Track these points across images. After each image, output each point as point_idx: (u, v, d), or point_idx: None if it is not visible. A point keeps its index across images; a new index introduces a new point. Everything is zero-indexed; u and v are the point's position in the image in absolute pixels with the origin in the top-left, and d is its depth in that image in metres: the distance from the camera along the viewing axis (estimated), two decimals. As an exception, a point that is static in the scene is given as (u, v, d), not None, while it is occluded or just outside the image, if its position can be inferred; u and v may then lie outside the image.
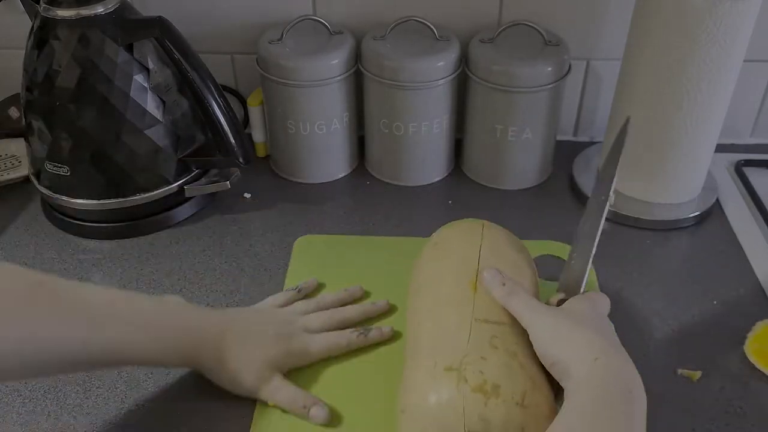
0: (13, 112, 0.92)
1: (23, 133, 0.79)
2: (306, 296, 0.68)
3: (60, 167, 0.76)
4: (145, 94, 0.75)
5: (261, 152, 0.91)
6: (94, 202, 0.77)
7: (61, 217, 0.80)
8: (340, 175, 0.89)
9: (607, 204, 0.58)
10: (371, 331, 0.64)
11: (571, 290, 0.56)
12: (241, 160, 0.79)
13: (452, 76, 0.81)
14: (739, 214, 0.81)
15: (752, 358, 0.63)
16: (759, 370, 0.62)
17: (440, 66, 0.80)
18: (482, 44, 0.81)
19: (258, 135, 0.90)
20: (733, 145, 0.92)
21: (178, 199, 0.81)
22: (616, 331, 0.58)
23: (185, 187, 0.80)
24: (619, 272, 0.73)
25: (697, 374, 0.62)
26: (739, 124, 0.93)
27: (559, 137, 0.89)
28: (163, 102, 0.76)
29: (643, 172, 0.79)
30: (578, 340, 0.49)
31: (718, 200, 0.82)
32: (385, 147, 0.86)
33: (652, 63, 0.72)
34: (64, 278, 0.56)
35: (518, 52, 0.80)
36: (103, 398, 0.61)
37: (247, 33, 0.89)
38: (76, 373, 0.63)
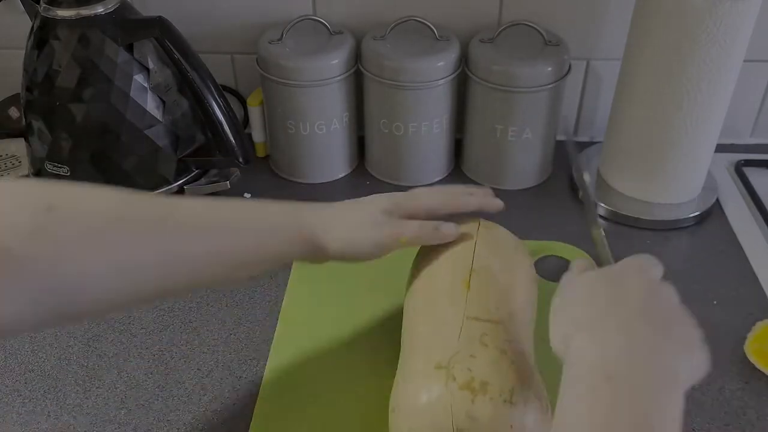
0: (13, 112, 0.92)
1: (23, 133, 0.79)
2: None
3: (60, 167, 0.76)
4: (145, 94, 0.75)
5: (261, 152, 0.91)
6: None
7: (61, 217, 0.80)
8: (340, 175, 0.89)
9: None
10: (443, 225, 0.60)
11: None
12: (241, 160, 0.79)
13: (452, 76, 0.81)
14: (739, 214, 0.81)
15: (752, 358, 0.63)
16: (759, 370, 0.62)
17: (440, 66, 0.80)
18: (482, 44, 0.81)
19: (258, 135, 0.90)
20: (733, 145, 0.92)
21: (178, 199, 0.81)
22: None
23: (185, 187, 0.80)
24: (619, 272, 0.73)
25: (697, 374, 0.62)
26: (739, 124, 0.93)
27: (559, 137, 0.89)
28: (163, 102, 0.76)
29: (643, 172, 0.79)
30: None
31: (718, 200, 0.82)
32: (385, 147, 0.86)
33: (652, 63, 0.72)
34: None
35: (518, 52, 0.80)
36: (103, 398, 0.61)
37: (247, 33, 0.89)
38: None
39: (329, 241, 0.56)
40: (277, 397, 0.61)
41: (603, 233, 0.57)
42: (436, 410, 0.48)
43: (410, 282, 0.61)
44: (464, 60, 0.83)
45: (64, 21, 0.72)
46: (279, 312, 0.69)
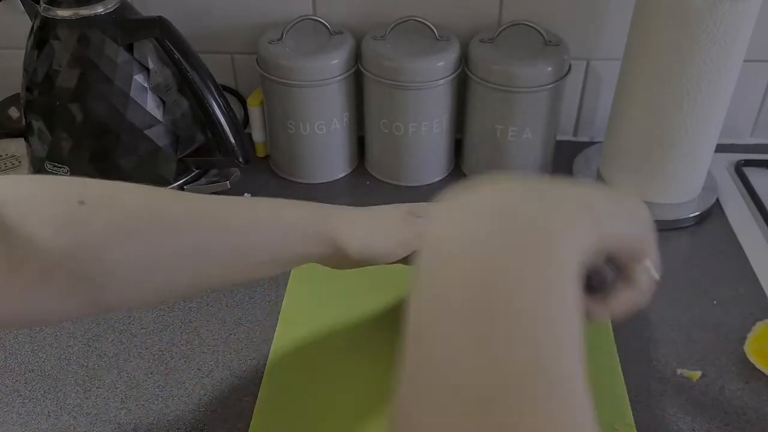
0: (13, 112, 0.92)
1: (23, 133, 0.79)
2: None
3: (60, 167, 0.76)
4: (145, 94, 0.75)
5: (261, 152, 0.91)
6: (94, 202, 0.77)
7: (61, 217, 0.80)
8: (340, 175, 0.89)
9: None
10: None
11: None
12: (241, 160, 0.79)
13: (452, 76, 0.81)
14: (739, 214, 0.81)
15: (752, 358, 0.63)
16: (759, 370, 0.62)
17: (440, 66, 0.80)
18: (482, 44, 0.81)
19: (258, 135, 0.90)
20: (733, 145, 0.92)
21: (178, 199, 0.81)
22: (617, 331, 0.58)
23: (185, 187, 0.80)
24: (619, 272, 0.73)
25: (697, 374, 0.62)
26: (739, 124, 0.93)
27: (559, 137, 0.89)
28: (163, 102, 0.76)
29: (643, 172, 0.79)
30: None
31: (718, 200, 0.82)
32: (385, 147, 0.86)
33: (652, 63, 0.72)
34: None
35: (518, 52, 0.80)
36: (103, 398, 0.61)
37: (247, 33, 0.89)
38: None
39: (350, 240, 0.55)
40: (276, 396, 0.61)
41: None
42: None
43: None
44: (464, 60, 0.83)
45: (64, 21, 0.72)
46: (279, 312, 0.69)
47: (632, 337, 0.66)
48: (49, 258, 0.44)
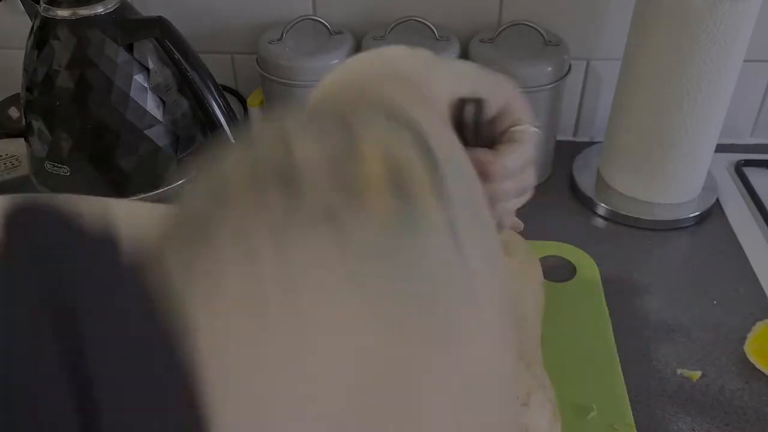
0: (13, 112, 0.92)
1: (23, 133, 0.79)
2: None
3: (60, 167, 0.76)
4: (145, 94, 0.75)
5: (261, 152, 0.91)
6: (94, 202, 0.77)
7: (61, 217, 0.80)
8: (340, 175, 0.89)
9: None
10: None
11: None
12: (241, 160, 0.79)
13: (452, 76, 0.81)
14: (739, 214, 0.81)
15: (752, 358, 0.63)
16: (759, 370, 0.62)
17: (440, 66, 0.80)
18: (482, 44, 0.81)
19: (258, 135, 0.90)
20: (733, 145, 0.92)
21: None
22: (617, 331, 0.58)
23: (185, 187, 0.80)
24: (619, 272, 0.73)
25: (697, 374, 0.62)
26: (739, 124, 0.93)
27: (559, 137, 0.89)
28: (163, 102, 0.76)
29: (643, 172, 0.79)
30: None
31: (718, 200, 0.82)
32: (385, 147, 0.86)
33: (652, 63, 0.72)
34: None
35: (518, 52, 0.80)
36: (103, 398, 0.61)
37: (247, 33, 0.89)
38: None
39: None
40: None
41: None
42: None
43: None
44: (464, 60, 0.83)
45: (64, 21, 0.72)
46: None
47: (632, 337, 0.66)
48: None
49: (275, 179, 0.22)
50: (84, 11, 0.72)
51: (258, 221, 0.21)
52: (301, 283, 0.20)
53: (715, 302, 0.70)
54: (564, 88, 0.82)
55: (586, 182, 0.84)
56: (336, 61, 0.81)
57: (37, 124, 0.75)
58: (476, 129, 0.35)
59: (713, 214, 0.81)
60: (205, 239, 0.20)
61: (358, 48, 0.83)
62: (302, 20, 0.83)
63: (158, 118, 0.76)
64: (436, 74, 0.35)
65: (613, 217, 0.80)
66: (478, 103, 0.36)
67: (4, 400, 0.15)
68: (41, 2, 0.73)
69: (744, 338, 0.65)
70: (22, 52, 0.75)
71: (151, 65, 0.75)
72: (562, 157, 0.89)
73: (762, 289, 0.71)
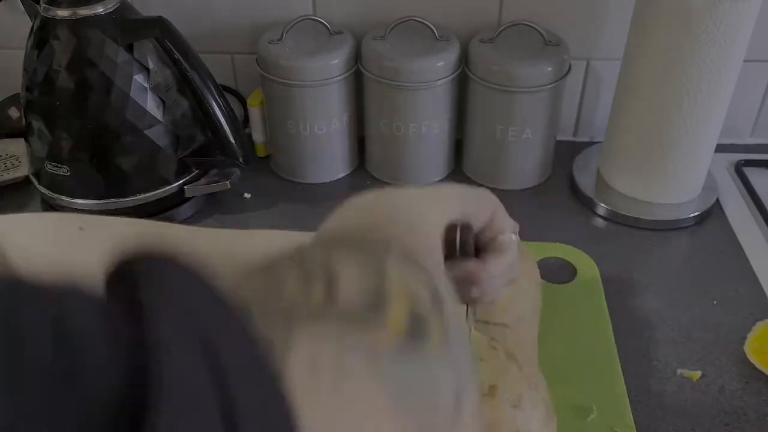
0: (13, 112, 0.92)
1: (23, 133, 0.79)
2: None
3: (60, 167, 0.76)
4: (145, 94, 0.75)
5: (261, 152, 0.91)
6: (94, 202, 0.77)
7: (61, 217, 0.81)
8: (340, 175, 0.89)
9: None
10: None
11: None
12: (241, 160, 0.79)
13: (452, 76, 0.81)
14: (739, 214, 0.81)
15: (752, 358, 0.63)
16: (759, 370, 0.62)
17: (440, 66, 0.80)
18: (482, 44, 0.81)
19: (258, 135, 0.90)
20: (733, 145, 0.92)
21: (178, 199, 0.81)
22: (618, 331, 0.57)
23: (185, 187, 0.80)
24: (619, 272, 0.73)
25: (697, 374, 0.62)
26: (739, 124, 0.93)
27: (559, 137, 0.89)
28: (163, 102, 0.76)
29: (643, 172, 0.79)
30: None
31: (718, 200, 0.82)
32: (385, 147, 0.86)
33: (652, 63, 0.72)
34: None
35: (518, 52, 0.80)
36: (103, 398, 0.61)
37: (247, 33, 0.89)
38: None
39: None
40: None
41: None
42: None
43: None
44: (464, 60, 0.83)
45: (64, 21, 0.72)
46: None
47: (632, 337, 0.66)
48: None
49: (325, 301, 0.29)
50: (84, 11, 0.72)
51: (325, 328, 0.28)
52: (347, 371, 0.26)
53: (715, 302, 0.70)
54: (564, 88, 0.82)
55: (586, 182, 0.85)
56: (336, 60, 0.81)
57: (37, 124, 0.75)
58: (463, 245, 0.43)
59: (713, 214, 0.81)
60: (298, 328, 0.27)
61: (358, 48, 0.83)
62: (302, 20, 0.83)
63: (158, 118, 0.76)
64: (430, 216, 0.41)
65: (613, 217, 0.80)
66: (465, 226, 0.43)
67: None
68: (41, 2, 0.73)
69: (744, 338, 0.65)
70: (22, 52, 0.75)
71: (151, 65, 0.75)
72: (562, 157, 0.89)
73: (762, 289, 0.71)
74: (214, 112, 0.77)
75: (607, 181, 0.83)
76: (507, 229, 0.47)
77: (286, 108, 0.83)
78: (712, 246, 0.78)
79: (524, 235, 0.64)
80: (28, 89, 0.75)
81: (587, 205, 0.83)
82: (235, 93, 0.94)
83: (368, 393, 0.26)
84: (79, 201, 0.78)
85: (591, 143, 0.93)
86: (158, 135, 0.76)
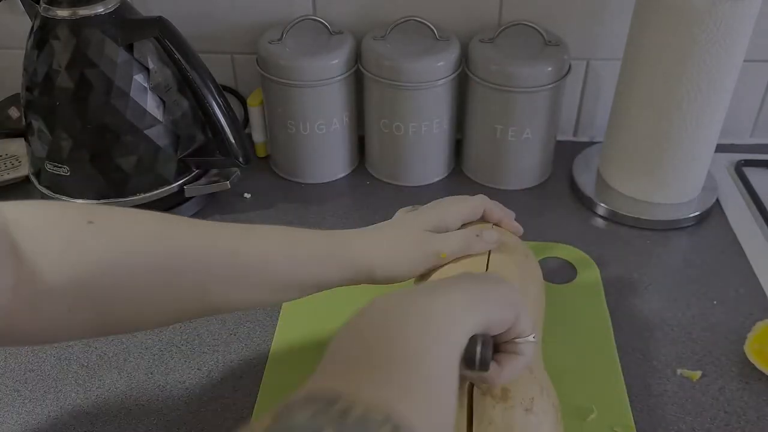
0: (13, 112, 0.92)
1: (23, 133, 0.79)
2: None
3: (60, 167, 0.76)
4: (145, 94, 0.75)
5: (261, 152, 0.91)
6: (94, 202, 0.77)
7: (61, 217, 0.80)
8: (340, 175, 0.89)
9: None
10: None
11: None
12: (241, 160, 0.79)
13: (452, 76, 0.81)
14: (739, 214, 0.81)
15: (752, 358, 0.63)
16: (759, 370, 0.62)
17: (440, 66, 0.80)
18: (482, 44, 0.81)
19: (258, 135, 0.90)
20: (733, 145, 0.92)
21: (178, 199, 0.81)
22: (618, 331, 0.57)
23: (185, 187, 0.80)
24: (619, 272, 0.73)
25: (697, 374, 0.62)
26: (739, 124, 0.93)
27: (559, 137, 0.89)
28: (163, 102, 0.76)
29: (643, 172, 0.79)
30: None
31: (718, 200, 0.82)
32: (385, 147, 0.86)
33: (652, 63, 0.72)
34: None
35: (518, 52, 0.80)
36: (103, 398, 0.61)
37: (247, 33, 0.89)
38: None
39: (376, 265, 0.57)
40: (277, 397, 0.60)
41: None
42: (456, 416, 0.47)
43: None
44: (464, 60, 0.83)
45: (64, 21, 0.72)
46: (279, 312, 0.69)
47: (632, 337, 0.66)
48: (56, 273, 0.45)
49: None
50: (84, 11, 0.72)
51: None
52: None
53: (715, 302, 0.70)
54: (564, 88, 0.82)
55: (586, 182, 0.85)
56: (336, 60, 0.81)
57: (37, 124, 0.75)
58: (483, 360, 0.42)
59: (713, 214, 0.81)
60: None
61: (358, 48, 0.83)
62: (302, 20, 0.83)
63: (158, 118, 0.76)
64: (446, 336, 0.40)
65: (613, 217, 0.80)
66: (486, 340, 0.43)
67: None
68: (41, 2, 0.73)
69: (744, 338, 0.65)
70: (22, 52, 0.76)
71: (151, 65, 0.75)
72: (562, 157, 0.89)
73: (762, 289, 0.71)
74: (214, 112, 0.77)
75: (607, 181, 0.83)
76: (527, 331, 0.46)
77: (286, 108, 0.83)
78: (712, 246, 0.78)
79: (524, 235, 0.65)
80: (28, 89, 0.75)
81: (587, 205, 0.83)
82: (235, 93, 0.94)
83: None
84: (79, 201, 0.78)
85: (591, 143, 0.93)
86: (158, 135, 0.76)
